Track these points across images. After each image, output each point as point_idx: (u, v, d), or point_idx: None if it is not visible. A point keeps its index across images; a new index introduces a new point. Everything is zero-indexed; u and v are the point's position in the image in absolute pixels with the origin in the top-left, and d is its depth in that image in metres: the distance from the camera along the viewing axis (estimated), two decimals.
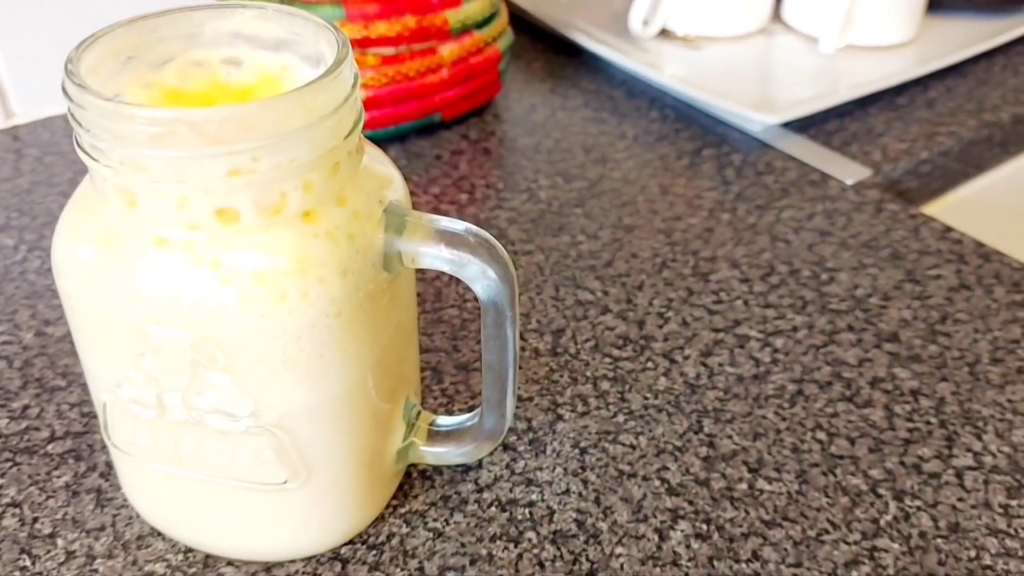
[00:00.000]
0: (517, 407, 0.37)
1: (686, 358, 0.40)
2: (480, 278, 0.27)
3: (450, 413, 0.37)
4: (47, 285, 0.43)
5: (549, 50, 0.66)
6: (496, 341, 0.28)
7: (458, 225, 0.28)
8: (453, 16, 0.50)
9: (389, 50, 0.50)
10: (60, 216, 0.27)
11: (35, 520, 0.32)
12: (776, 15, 0.66)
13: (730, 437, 0.36)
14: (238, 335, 0.25)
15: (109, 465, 0.34)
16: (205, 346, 0.25)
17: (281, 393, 0.26)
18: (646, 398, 0.38)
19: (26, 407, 0.36)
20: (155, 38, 0.28)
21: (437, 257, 0.28)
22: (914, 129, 0.57)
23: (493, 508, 0.33)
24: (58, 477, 0.34)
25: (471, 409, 0.37)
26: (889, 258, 0.46)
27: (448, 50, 0.51)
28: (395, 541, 0.32)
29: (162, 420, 0.27)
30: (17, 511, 0.32)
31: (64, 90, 0.24)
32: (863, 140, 0.55)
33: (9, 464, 0.34)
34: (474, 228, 0.28)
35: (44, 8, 0.53)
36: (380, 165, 0.29)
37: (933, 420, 0.37)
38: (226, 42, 0.28)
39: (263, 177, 0.24)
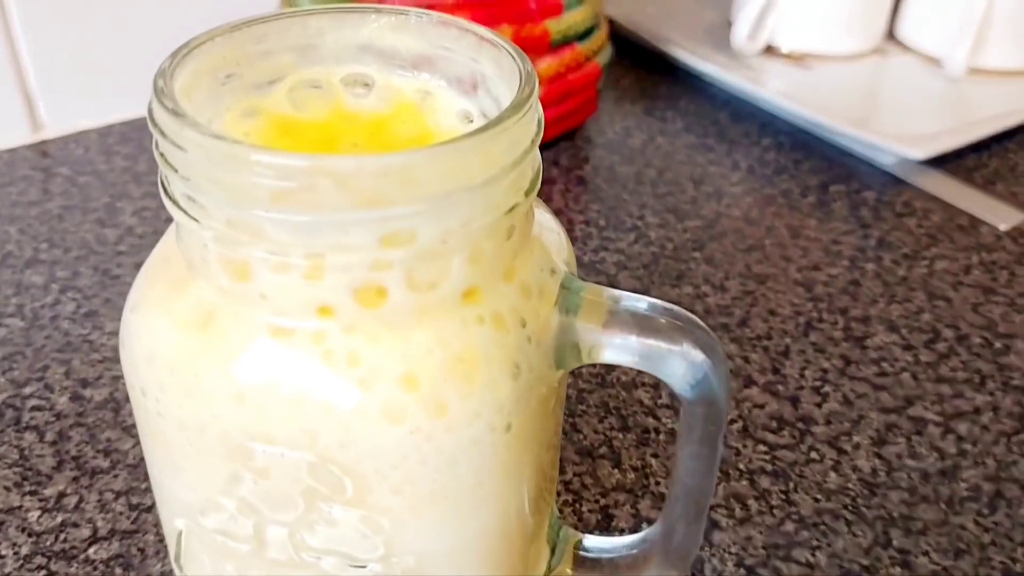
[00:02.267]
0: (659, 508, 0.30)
1: (856, 447, 0.33)
2: (684, 376, 0.21)
3: (579, 515, 0.30)
4: (83, 335, 0.36)
5: (639, 66, 0.59)
6: (702, 460, 0.21)
7: (642, 302, 0.21)
8: (554, 26, 0.44)
9: None
10: (133, 285, 0.20)
11: None
12: (890, 33, 0.60)
13: (927, 554, 0.29)
14: (375, 458, 0.18)
15: None
16: (327, 472, 0.19)
17: (422, 532, 0.20)
18: (816, 500, 0.31)
19: (62, 495, 0.30)
20: (262, 50, 0.21)
21: (624, 349, 0.21)
22: None
23: None
24: None
25: (603, 510, 0.30)
26: None
27: (546, 64, 0.44)
28: None
29: (259, 557, 0.21)
30: None
31: (152, 118, 0.18)
32: (1008, 178, 0.49)
33: (43, 574, 0.27)
34: (669, 306, 0.21)
35: (78, 9, 0.46)
36: (541, 216, 0.22)
37: None
38: (351, 57, 0.22)
39: (424, 248, 0.17)
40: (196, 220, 0.17)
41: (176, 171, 0.17)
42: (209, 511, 0.20)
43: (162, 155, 0.18)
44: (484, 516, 0.20)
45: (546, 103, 0.45)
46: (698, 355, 0.20)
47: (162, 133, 0.17)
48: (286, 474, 0.19)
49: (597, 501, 0.31)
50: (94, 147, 0.47)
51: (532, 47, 0.43)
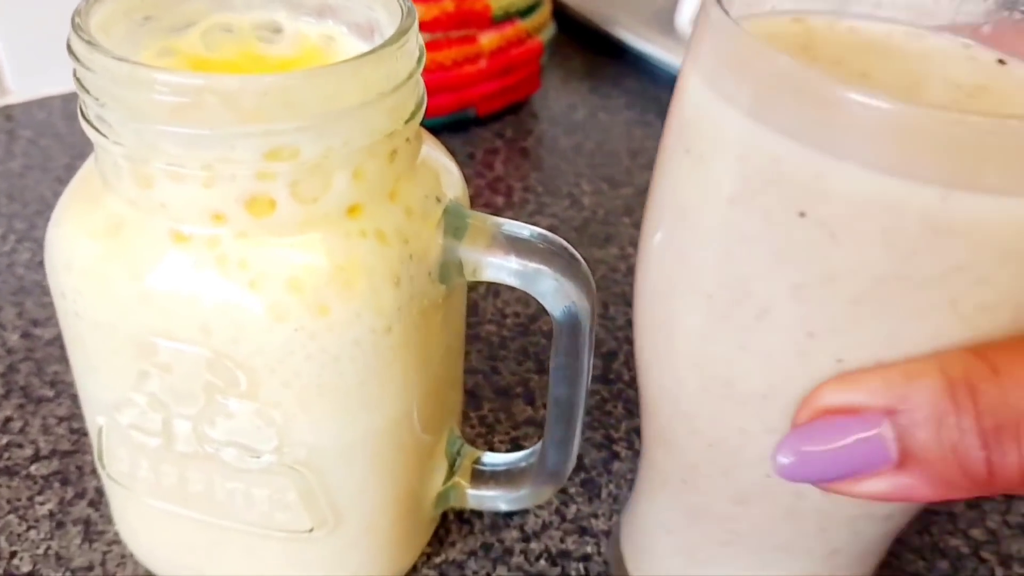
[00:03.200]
0: None
1: None
2: (554, 294, 0.23)
3: (490, 445, 0.33)
4: (37, 281, 0.38)
5: (588, 47, 0.62)
6: (569, 370, 0.24)
7: (524, 229, 0.23)
8: (495, 2, 0.46)
9: (425, 36, 0.45)
10: (57, 203, 0.22)
11: (13, 555, 0.28)
12: None
13: None
14: (264, 353, 0.21)
15: (100, 492, 0.30)
16: (223, 366, 0.21)
17: (312, 426, 0.22)
18: None
19: (8, 420, 0.32)
20: None
21: (503, 268, 0.23)
22: None
23: (542, 561, 0.28)
24: (41, 504, 0.29)
25: (513, 441, 0.33)
26: None
27: (488, 39, 0.47)
28: None
29: (168, 451, 0.23)
30: None
31: (69, 47, 0.20)
32: None
33: None
34: (546, 234, 0.23)
35: None
36: (437, 156, 0.25)
37: None
38: (261, 5, 0.24)
39: (306, 164, 0.20)
40: (105, 136, 0.20)
41: (89, 92, 0.20)
42: (123, 407, 0.22)
43: (78, 80, 0.20)
44: (371, 416, 0.23)
45: (488, 75, 0.47)
46: (567, 277, 0.23)
47: (77, 60, 0.20)
48: (187, 369, 0.21)
49: (508, 433, 0.33)
50: (57, 112, 0.50)
51: (474, 21, 0.46)
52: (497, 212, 0.44)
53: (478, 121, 0.51)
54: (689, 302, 0.19)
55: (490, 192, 0.46)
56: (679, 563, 0.24)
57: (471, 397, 0.34)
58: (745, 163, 0.16)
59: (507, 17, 0.47)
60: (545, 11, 0.50)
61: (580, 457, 0.32)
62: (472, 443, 0.33)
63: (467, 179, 0.48)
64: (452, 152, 0.53)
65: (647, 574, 0.25)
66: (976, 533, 0.30)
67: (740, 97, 0.16)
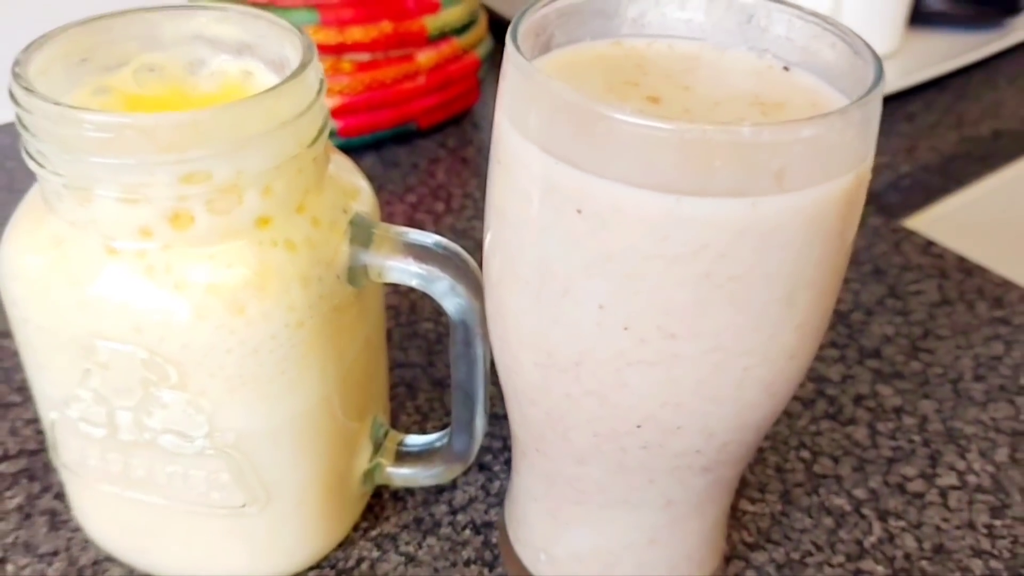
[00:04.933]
0: (492, 425, 0.35)
1: None
2: (449, 294, 0.26)
3: (423, 431, 0.36)
4: None
5: None
6: (465, 359, 0.27)
7: (428, 238, 0.27)
8: (431, 22, 0.49)
9: (365, 56, 0.48)
10: (7, 226, 0.25)
11: None
12: None
13: None
14: (190, 349, 0.24)
15: None
16: (155, 362, 0.24)
17: (238, 412, 0.25)
18: None
19: None
20: (110, 39, 0.26)
21: (405, 272, 0.26)
22: (895, 142, 0.56)
23: (468, 531, 0.32)
24: (10, 498, 0.32)
25: (445, 427, 0.36)
26: (872, 273, 0.45)
27: (425, 56, 0.50)
28: (365, 566, 0.30)
29: (112, 440, 0.26)
30: None
31: (11, 93, 0.23)
32: None
33: None
34: (444, 241, 0.27)
35: (8, 7, 0.51)
36: (347, 175, 0.28)
37: (916, 438, 0.36)
38: (186, 45, 0.27)
39: (219, 185, 0.23)
40: (44, 167, 0.23)
41: (28, 131, 0.23)
42: (71, 402, 0.26)
43: (19, 120, 0.23)
44: (291, 401, 0.26)
45: (428, 90, 0.51)
46: (461, 281, 0.26)
47: (17, 103, 0.23)
48: (124, 366, 0.24)
49: (441, 420, 0.36)
50: None
51: (411, 40, 0.49)
52: (438, 218, 0.48)
53: (421, 133, 0.54)
54: (513, 288, 0.22)
55: (432, 199, 0.49)
56: (546, 526, 0.27)
57: (408, 388, 0.37)
58: (532, 173, 0.20)
59: (443, 36, 0.50)
60: (481, 28, 0.54)
61: (504, 438, 0.35)
62: (408, 430, 0.36)
63: (410, 188, 0.51)
64: (396, 163, 0.56)
65: (523, 539, 0.29)
66: (859, 492, 0.34)
67: (524, 119, 0.20)
